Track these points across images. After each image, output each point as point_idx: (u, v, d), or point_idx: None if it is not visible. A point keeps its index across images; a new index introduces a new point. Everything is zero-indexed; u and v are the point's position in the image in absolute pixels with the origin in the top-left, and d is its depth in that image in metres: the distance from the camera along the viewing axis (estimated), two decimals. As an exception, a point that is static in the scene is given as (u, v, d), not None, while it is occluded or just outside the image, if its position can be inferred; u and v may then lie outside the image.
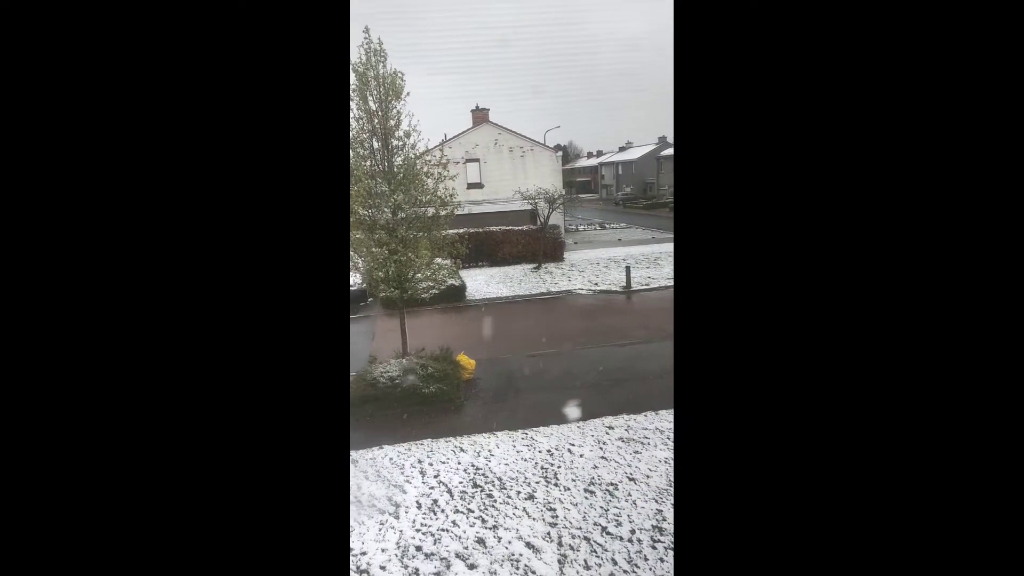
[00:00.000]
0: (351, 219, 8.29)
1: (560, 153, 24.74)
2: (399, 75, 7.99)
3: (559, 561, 4.86)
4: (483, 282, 17.40)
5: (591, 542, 5.07)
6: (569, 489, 5.94)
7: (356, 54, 7.82)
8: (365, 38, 7.77)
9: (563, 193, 21.41)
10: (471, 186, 21.60)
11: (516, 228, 20.16)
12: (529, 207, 20.19)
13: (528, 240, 19.87)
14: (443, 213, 8.72)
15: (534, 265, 19.31)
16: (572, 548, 5.00)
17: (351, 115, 8.01)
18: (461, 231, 9.94)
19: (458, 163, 19.81)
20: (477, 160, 21.88)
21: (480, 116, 22.71)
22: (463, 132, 22.12)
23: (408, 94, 8.13)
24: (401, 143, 8.34)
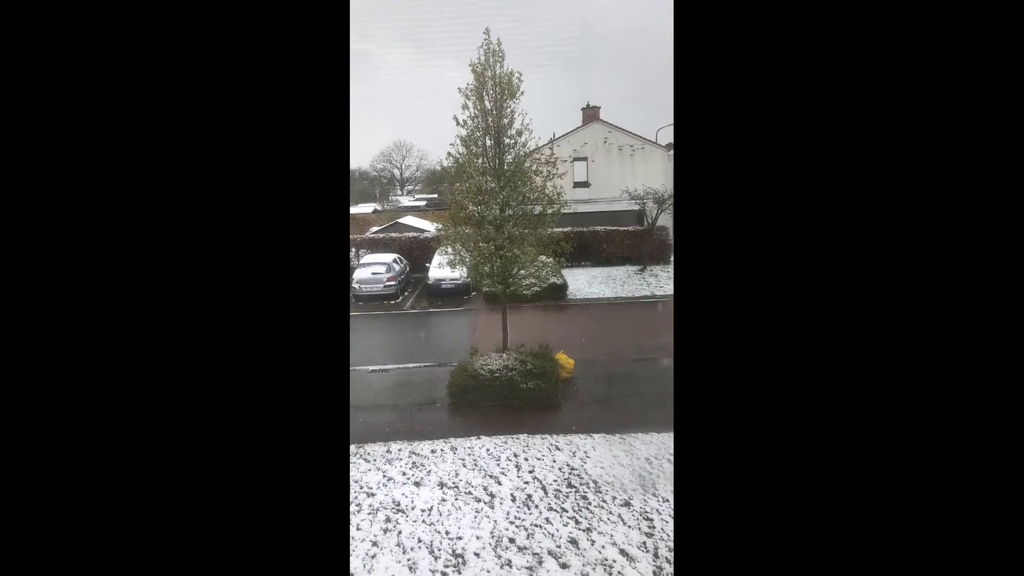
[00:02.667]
0: (461, 214, 8.59)
1: (672, 152, 23.83)
2: (516, 75, 8.13)
3: (654, 573, 4.71)
4: (585, 282, 17.26)
5: (689, 559, 4.86)
6: (668, 501, 5.73)
7: (475, 54, 8.07)
8: (485, 39, 7.99)
9: (673, 193, 20.62)
10: (577, 184, 21.47)
11: (622, 228, 19.75)
12: (636, 207, 19.67)
13: (634, 241, 19.39)
14: (550, 211, 8.76)
15: (639, 267, 18.81)
16: (668, 561, 4.82)
17: (467, 114, 8.28)
18: (566, 229, 9.91)
19: (565, 161, 19.79)
20: (585, 159, 21.71)
21: (590, 114, 22.47)
22: (572, 130, 22.03)
23: (523, 93, 8.25)
24: (513, 141, 8.48)
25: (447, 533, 5.34)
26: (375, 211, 35.95)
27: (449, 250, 9.25)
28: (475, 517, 5.59)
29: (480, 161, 8.56)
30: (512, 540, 5.20)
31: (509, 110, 8.30)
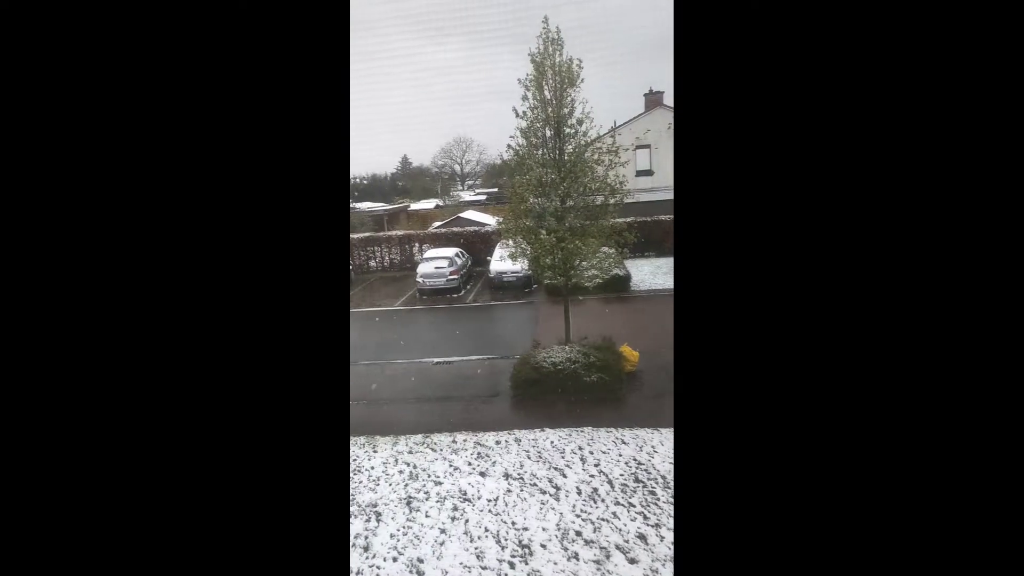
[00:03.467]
0: (521, 207, 8.56)
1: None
2: (576, 62, 7.99)
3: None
4: (649, 273, 16.84)
5: (765, 560, 4.64)
6: (740, 499, 5.49)
7: (534, 43, 7.99)
8: (544, 27, 7.89)
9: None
10: (640, 173, 20.93)
11: (687, 217, 19.07)
12: (702, 195, 18.94)
13: (699, 230, 18.70)
14: (612, 201, 8.57)
15: (705, 256, 18.12)
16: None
17: (527, 104, 8.22)
18: (629, 219, 9.68)
19: (628, 149, 19.35)
20: (648, 146, 21.12)
21: (653, 100, 21.83)
22: (635, 117, 21.46)
23: (583, 81, 8.09)
24: (573, 131, 8.34)
25: (513, 524, 5.37)
26: (437, 207, 36.69)
27: (510, 243, 9.25)
28: (541, 509, 5.58)
29: (540, 152, 8.48)
30: (579, 533, 5.16)
31: (569, 99, 8.16)
